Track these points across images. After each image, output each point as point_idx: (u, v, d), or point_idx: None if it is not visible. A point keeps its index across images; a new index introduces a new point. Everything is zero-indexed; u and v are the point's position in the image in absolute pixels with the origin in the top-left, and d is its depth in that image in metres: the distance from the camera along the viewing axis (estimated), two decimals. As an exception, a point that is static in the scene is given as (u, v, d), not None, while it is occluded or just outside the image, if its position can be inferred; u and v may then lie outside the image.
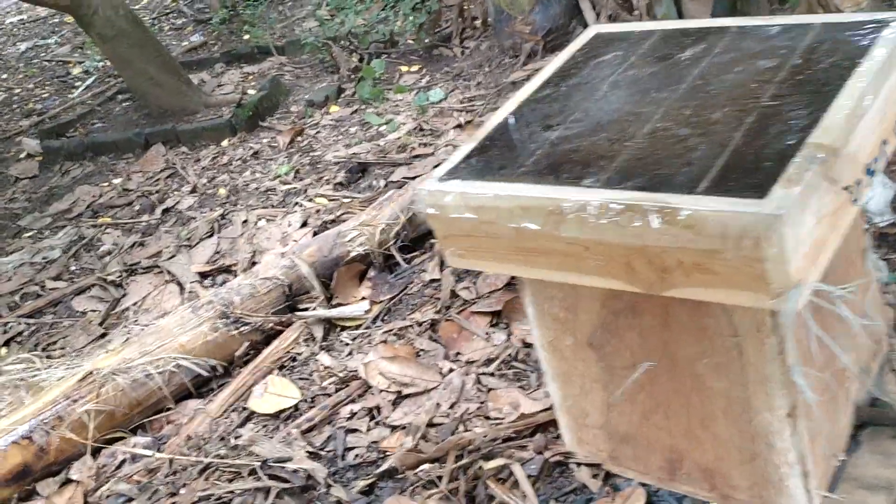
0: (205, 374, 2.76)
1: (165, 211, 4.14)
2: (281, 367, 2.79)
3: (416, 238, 3.23)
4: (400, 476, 2.26)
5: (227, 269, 3.45)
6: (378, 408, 2.51)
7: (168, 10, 7.93)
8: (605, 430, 1.27)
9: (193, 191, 4.24)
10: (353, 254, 3.06)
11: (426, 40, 5.15)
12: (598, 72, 1.24)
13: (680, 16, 3.62)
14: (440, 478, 2.19)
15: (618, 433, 1.26)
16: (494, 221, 1.07)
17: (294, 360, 2.81)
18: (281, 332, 2.90)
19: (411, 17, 5.05)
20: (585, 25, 4.52)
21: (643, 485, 2.13)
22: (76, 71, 7.06)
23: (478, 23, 5.15)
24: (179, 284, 3.44)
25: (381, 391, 2.56)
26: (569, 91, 1.21)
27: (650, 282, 0.99)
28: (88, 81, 6.58)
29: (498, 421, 2.35)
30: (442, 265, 3.07)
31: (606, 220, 0.96)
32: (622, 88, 1.17)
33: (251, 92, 5.14)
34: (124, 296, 3.51)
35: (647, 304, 1.10)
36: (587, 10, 4.49)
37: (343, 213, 3.51)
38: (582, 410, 1.27)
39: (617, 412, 1.23)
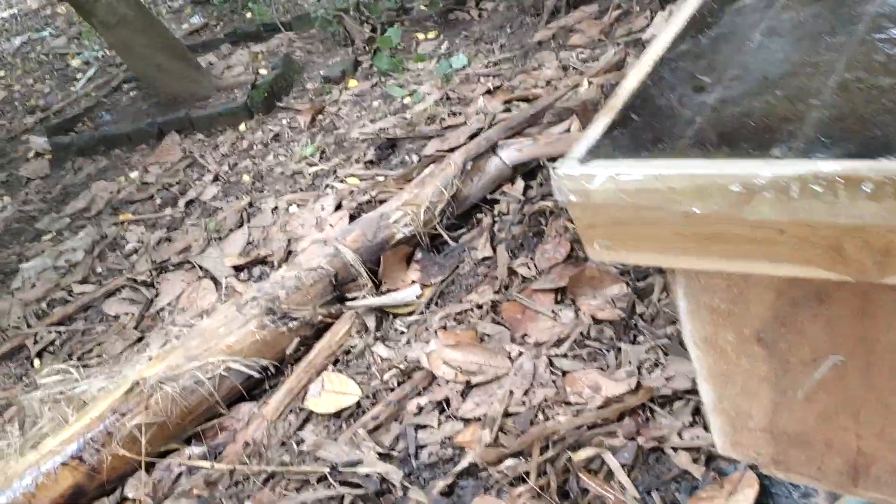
0: (256, 375, 2.61)
1: (189, 203, 3.96)
2: (335, 362, 2.63)
3: (462, 214, 3.06)
4: (482, 473, 2.11)
5: (263, 261, 3.28)
6: (447, 400, 2.36)
7: (163, -7, 7.70)
8: (769, 433, 1.11)
9: (216, 179, 4.06)
10: (398, 236, 2.89)
11: (440, 4, 4.93)
12: (743, 18, 1.05)
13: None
14: (527, 473, 2.04)
15: (786, 435, 1.09)
16: (657, 206, 0.89)
17: (348, 353, 2.65)
18: (331, 324, 2.74)
19: (425, -19, 4.83)
20: (609, -24, 4.31)
21: (751, 467, 1.98)
22: (75, 62, 6.86)
23: (493, -18, 4.94)
24: (214, 280, 3.28)
25: (448, 381, 2.40)
26: (713, 44, 1.03)
27: (864, 268, 0.82)
28: (90, 72, 6.38)
29: (580, 406, 2.20)
30: (493, 241, 2.91)
31: (812, 196, 0.79)
32: (782, 36, 0.99)
33: (263, 72, 4.94)
34: (157, 296, 3.35)
35: (838, 291, 0.93)
36: (611, -39, 4.27)
37: (378, 193, 3.34)
38: (742, 412, 1.10)
39: (788, 413, 1.06)
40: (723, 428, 1.17)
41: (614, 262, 1.13)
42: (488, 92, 3.89)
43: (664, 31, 1.11)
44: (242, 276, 3.24)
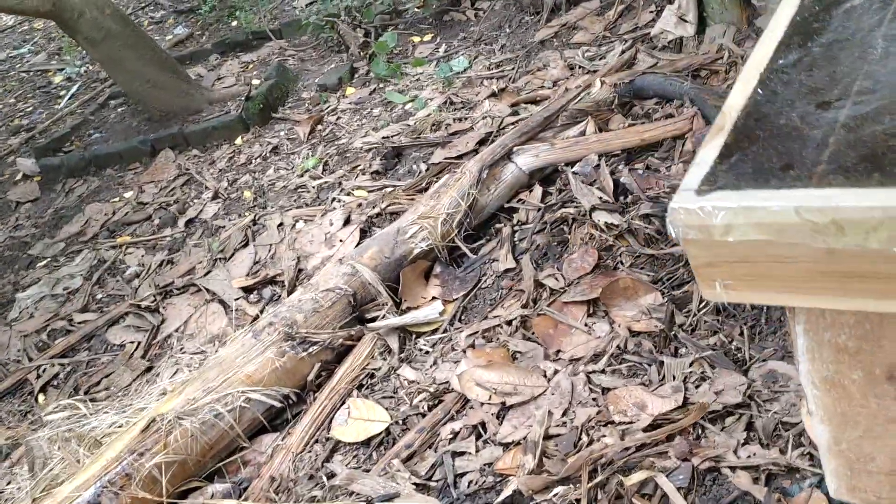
0: (277, 405, 2.50)
1: (189, 222, 3.83)
2: (360, 387, 2.52)
3: (479, 225, 2.95)
4: (529, 502, 2.00)
5: (273, 281, 3.16)
6: (483, 424, 2.25)
7: (144, 4, 7.53)
8: (894, 477, 1.00)
9: (215, 197, 3.93)
10: (416, 251, 2.78)
11: (434, 6, 4.81)
12: (856, 22, 0.95)
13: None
14: (577, 501, 1.94)
15: (917, 480, 0.99)
16: (794, 243, 0.78)
17: (372, 377, 2.54)
18: (352, 347, 2.63)
19: (420, -17, 4.71)
20: (609, -29, 4.21)
21: (818, 486, 1.88)
22: (57, 79, 6.69)
23: (487, -19, 4.82)
24: (222, 303, 3.16)
25: (483, 404, 2.29)
26: (828, 52, 0.93)
27: None
28: (73, 89, 6.22)
29: (625, 426, 2.10)
30: (514, 251, 2.80)
31: None
32: (910, 41, 0.89)
33: (256, 82, 4.81)
34: (163, 322, 3.22)
35: None
36: (610, -45, 4.16)
37: (388, 205, 3.22)
38: (863, 455, 1.00)
39: (920, 456, 0.96)
40: (838, 470, 1.07)
41: (735, 302, 1.05)
42: (493, 95, 3.78)
43: (764, 39, 1.00)
44: (252, 297, 3.12)
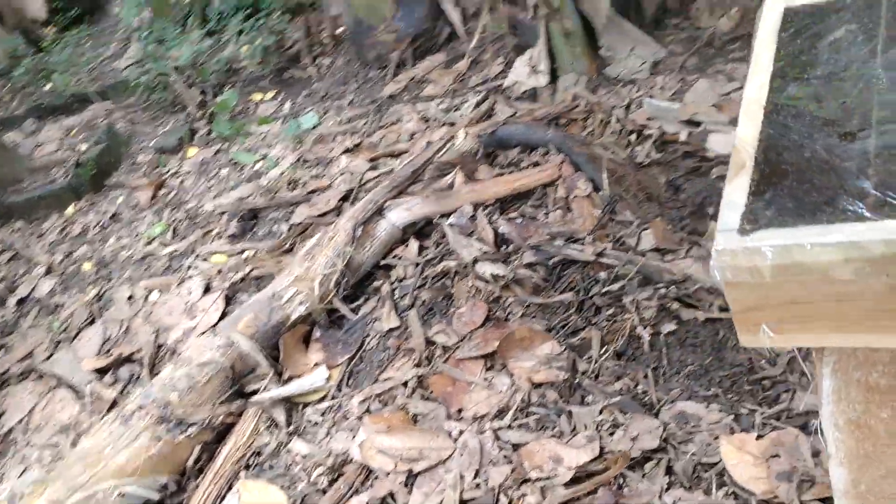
0: (155, 497, 2.25)
1: (20, 301, 3.46)
2: (248, 467, 2.32)
3: (356, 284, 2.83)
4: (456, 576, 1.89)
5: (129, 359, 2.89)
6: (391, 494, 2.11)
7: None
8: (912, 515, 0.98)
9: (49, 272, 3.58)
10: (293, 316, 2.62)
11: (273, 63, 4.67)
12: (846, 54, 0.94)
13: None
14: (509, 568, 1.84)
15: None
16: (853, 279, 0.75)
17: (259, 454, 2.35)
18: (234, 424, 2.42)
19: (259, 41, 4.55)
20: (451, 27, 4.26)
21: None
22: None
23: (326, 38, 4.75)
24: (72, 388, 2.85)
25: (388, 473, 2.15)
26: (829, 84, 0.91)
27: None
28: None
29: (544, 482, 2.03)
30: (396, 308, 2.69)
31: None
32: (913, 69, 0.89)
33: (83, 147, 4.46)
34: (2, 415, 2.86)
35: None
36: (451, 11, 4.22)
37: (252, 269, 3.04)
38: (883, 495, 0.98)
39: (940, 493, 0.94)
40: (853, 512, 1.04)
41: (777, 347, 0.99)
42: (348, 150, 3.69)
43: (753, 74, 0.97)
44: (107, 379, 2.84)
